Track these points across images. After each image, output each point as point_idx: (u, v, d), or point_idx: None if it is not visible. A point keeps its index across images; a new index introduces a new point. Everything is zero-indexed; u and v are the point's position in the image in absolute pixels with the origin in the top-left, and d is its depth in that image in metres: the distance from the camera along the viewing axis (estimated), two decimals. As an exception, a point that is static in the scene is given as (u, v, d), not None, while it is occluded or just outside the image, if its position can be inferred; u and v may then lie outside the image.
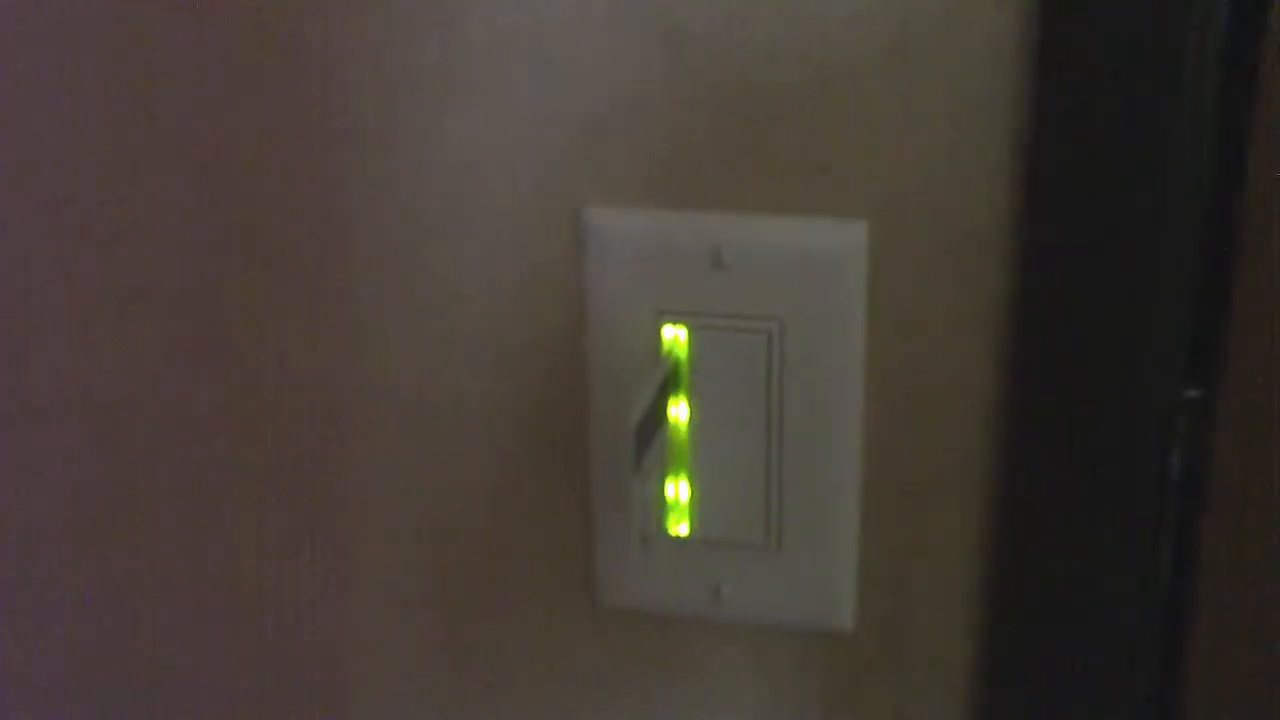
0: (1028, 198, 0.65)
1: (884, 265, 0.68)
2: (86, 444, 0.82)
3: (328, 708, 0.85)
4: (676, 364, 0.71)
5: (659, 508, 0.72)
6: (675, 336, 0.71)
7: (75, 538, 0.85)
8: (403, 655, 0.83)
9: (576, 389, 0.75)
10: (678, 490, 0.73)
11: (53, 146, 0.77)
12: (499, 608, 0.80)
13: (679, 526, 0.74)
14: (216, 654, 0.86)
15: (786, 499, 0.73)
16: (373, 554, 0.81)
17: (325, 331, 0.77)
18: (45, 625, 0.88)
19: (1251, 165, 0.61)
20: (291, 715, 0.86)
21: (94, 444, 0.82)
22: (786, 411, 0.71)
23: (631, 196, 0.71)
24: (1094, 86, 0.61)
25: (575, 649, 0.80)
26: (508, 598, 0.80)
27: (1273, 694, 0.67)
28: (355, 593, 0.82)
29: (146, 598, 0.86)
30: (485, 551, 0.79)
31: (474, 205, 0.73)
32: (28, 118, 0.77)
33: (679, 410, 0.72)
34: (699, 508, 0.73)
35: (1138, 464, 0.65)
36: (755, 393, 0.71)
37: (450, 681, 0.83)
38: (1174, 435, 0.64)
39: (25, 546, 0.86)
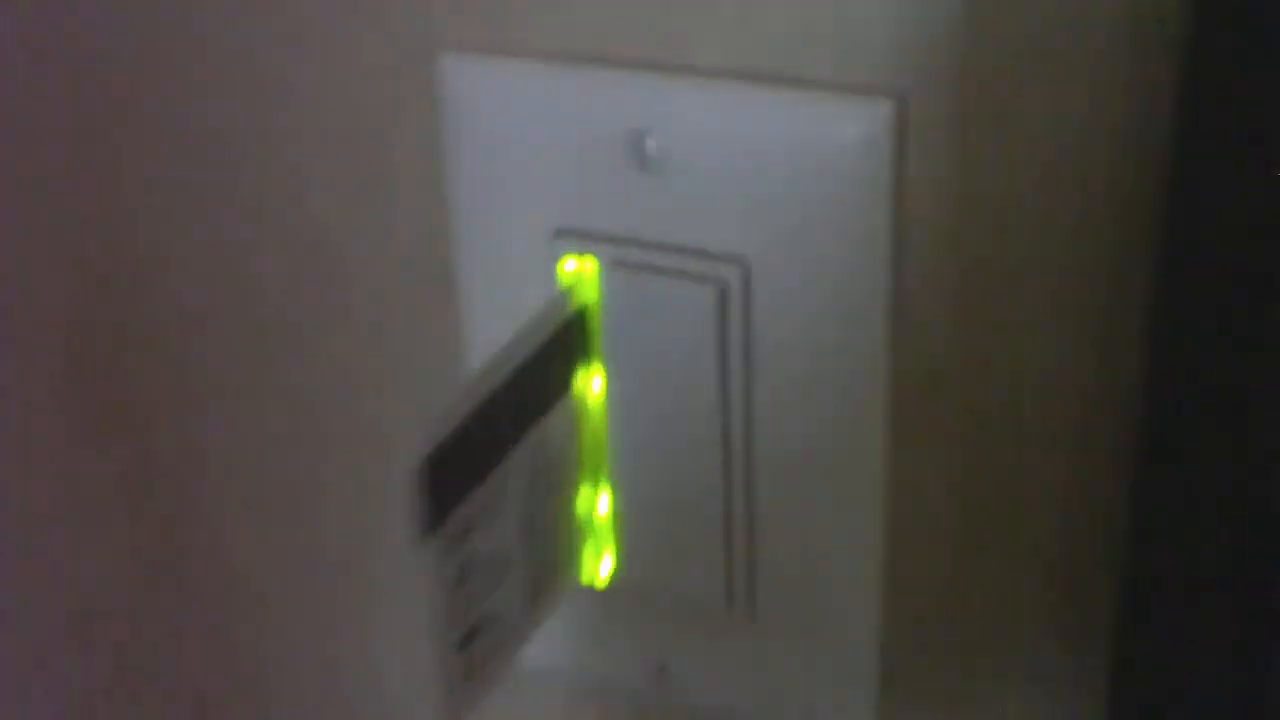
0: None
1: (918, 172, 0.38)
2: None
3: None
4: (582, 314, 0.43)
5: (567, 536, 0.45)
6: (579, 271, 0.43)
7: None
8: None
9: (449, 343, 0.47)
10: (594, 505, 0.45)
11: None
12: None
13: (601, 564, 0.46)
14: None
15: (760, 547, 0.44)
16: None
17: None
18: None
19: None
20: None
21: None
22: (756, 410, 0.42)
23: (512, 40, 0.42)
24: None
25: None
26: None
27: None
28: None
29: None
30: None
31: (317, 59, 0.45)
32: None
33: (594, 383, 0.44)
34: (627, 540, 0.45)
35: None
36: (704, 376, 0.42)
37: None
38: None
39: None
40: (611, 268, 0.42)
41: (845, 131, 0.39)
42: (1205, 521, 0.37)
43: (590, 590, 0.47)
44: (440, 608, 0.39)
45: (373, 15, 0.44)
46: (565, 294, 0.42)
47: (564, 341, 0.42)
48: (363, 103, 0.46)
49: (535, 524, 0.43)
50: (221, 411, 0.55)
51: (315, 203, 0.49)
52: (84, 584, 0.62)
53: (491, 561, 0.41)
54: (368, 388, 0.51)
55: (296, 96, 0.47)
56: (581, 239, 0.43)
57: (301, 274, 0.50)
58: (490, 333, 0.45)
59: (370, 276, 0.49)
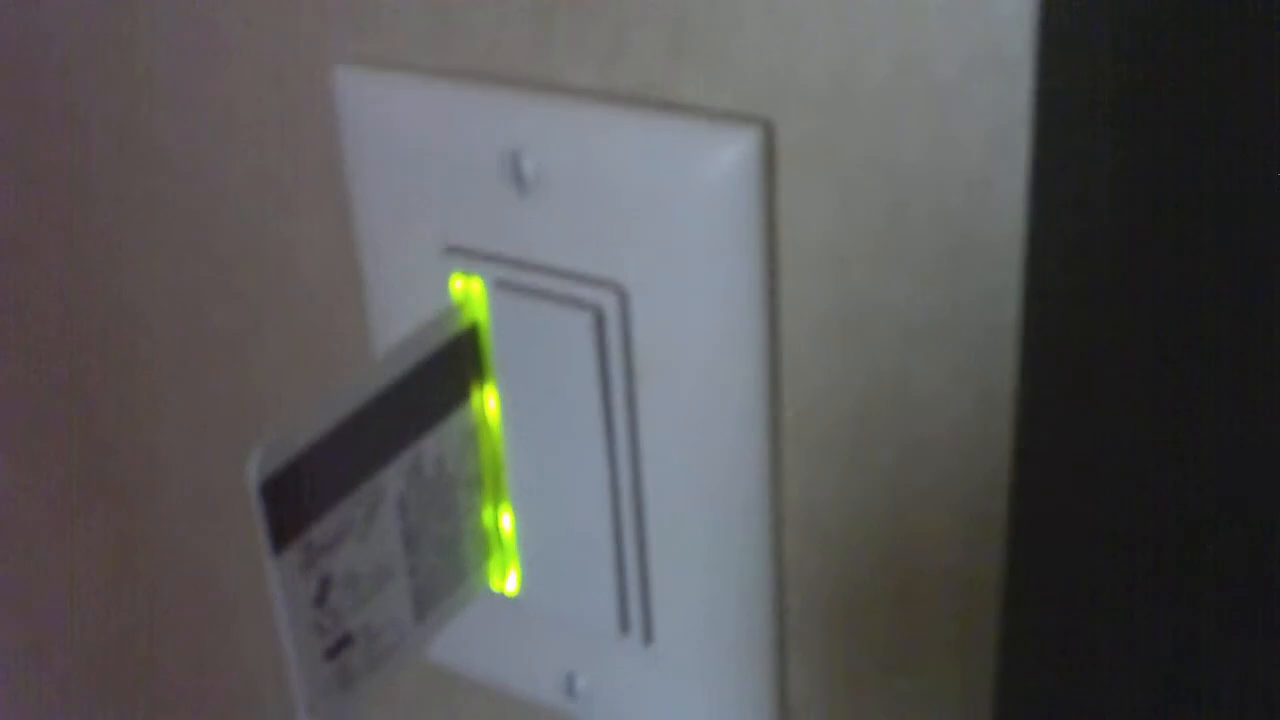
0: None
1: (791, 197, 0.38)
2: None
3: None
4: (473, 331, 0.43)
5: (462, 549, 0.45)
6: (467, 290, 0.43)
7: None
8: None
9: (359, 339, 0.48)
10: (498, 521, 0.46)
11: None
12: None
13: (508, 578, 0.46)
14: None
15: (653, 571, 0.44)
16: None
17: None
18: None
19: None
20: None
21: None
22: (642, 434, 0.42)
23: (404, 54, 0.42)
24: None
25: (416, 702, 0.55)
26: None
27: None
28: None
29: None
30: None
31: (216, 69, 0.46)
32: None
33: (489, 398, 0.44)
34: (525, 560, 0.45)
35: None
36: (587, 400, 0.42)
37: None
38: None
39: None
40: (496, 288, 0.42)
41: (714, 158, 0.38)
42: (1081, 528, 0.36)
43: (504, 599, 0.47)
44: (291, 623, 0.39)
45: (274, 26, 0.45)
46: (452, 310, 0.42)
47: (450, 358, 0.42)
48: (268, 111, 0.46)
49: (422, 537, 0.43)
50: (160, 418, 0.57)
51: (225, 211, 0.49)
52: (50, 584, 0.64)
53: (364, 574, 0.41)
54: (289, 393, 0.52)
55: (205, 103, 0.48)
56: (469, 257, 0.42)
57: (219, 286, 0.51)
58: (391, 340, 0.45)
59: (284, 284, 0.49)
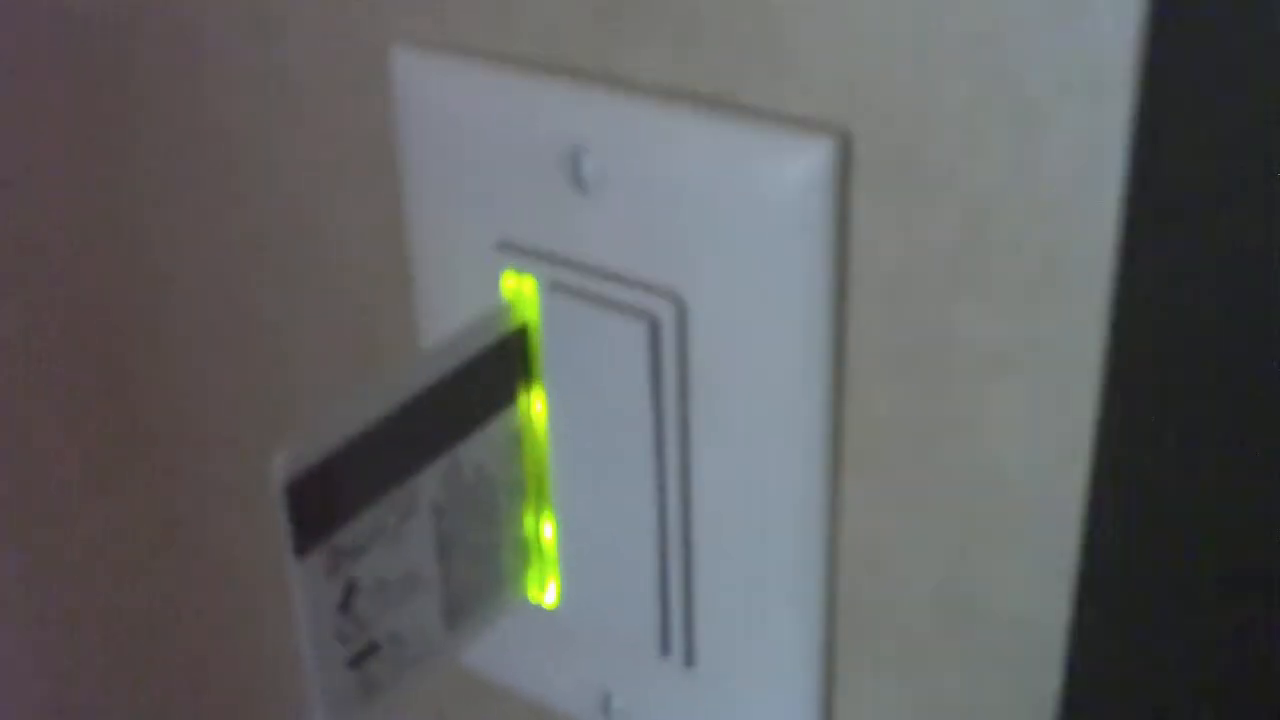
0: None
1: (864, 213, 0.35)
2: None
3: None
4: (522, 332, 0.41)
5: (501, 557, 0.43)
6: (519, 289, 0.41)
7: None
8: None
9: (405, 331, 0.46)
10: (539, 530, 0.44)
11: None
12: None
13: (547, 590, 0.44)
14: None
15: (698, 590, 0.42)
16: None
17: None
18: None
19: None
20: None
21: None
22: (693, 448, 0.40)
23: (462, 36, 0.40)
24: None
25: (442, 714, 0.53)
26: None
27: None
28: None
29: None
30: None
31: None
32: None
33: (536, 405, 0.42)
34: (565, 572, 0.44)
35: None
36: (638, 411, 0.40)
37: None
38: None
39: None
40: (549, 289, 0.40)
41: (786, 167, 0.36)
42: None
43: (542, 610, 0.45)
44: (311, 629, 0.37)
45: (333, 2, 0.43)
46: (502, 309, 0.40)
47: (498, 359, 0.41)
48: (324, 89, 0.44)
49: (457, 544, 0.41)
50: (198, 401, 0.55)
51: (274, 191, 0.48)
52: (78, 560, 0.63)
53: (393, 581, 0.40)
54: (329, 381, 0.50)
55: (259, 78, 0.46)
56: (522, 254, 0.40)
57: (263, 268, 0.49)
58: (438, 335, 0.44)
59: (330, 269, 0.47)
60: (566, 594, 0.44)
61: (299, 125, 0.46)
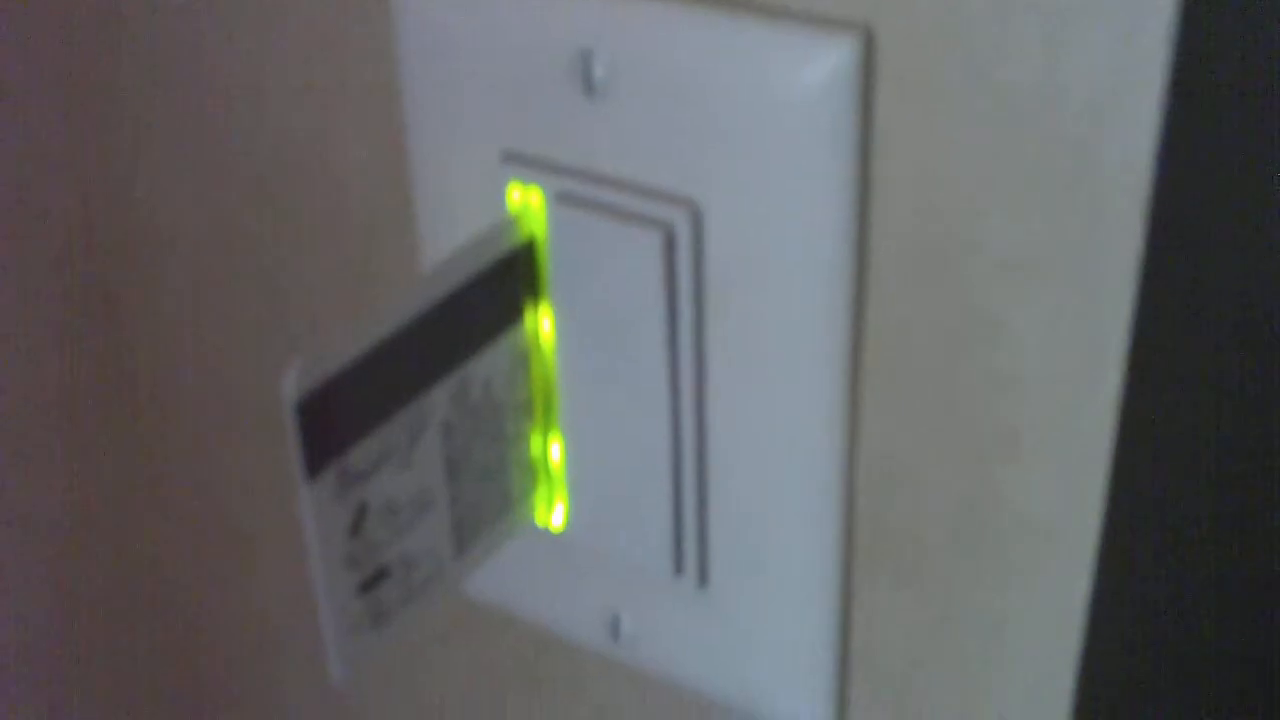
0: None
1: (888, 114, 0.34)
2: None
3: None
4: (529, 247, 0.39)
5: (509, 478, 0.42)
6: (525, 201, 0.39)
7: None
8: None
9: (410, 253, 0.45)
10: (546, 451, 0.43)
11: None
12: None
13: (554, 512, 0.43)
14: None
15: (713, 509, 0.41)
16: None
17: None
18: None
19: None
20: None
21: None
22: (708, 364, 0.39)
23: (465, -61, 0.39)
24: None
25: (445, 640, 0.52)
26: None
27: None
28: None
29: None
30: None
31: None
32: None
33: (544, 323, 0.41)
34: (574, 493, 0.42)
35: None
36: (651, 325, 0.38)
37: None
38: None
39: None
40: (557, 201, 0.39)
41: (807, 67, 0.34)
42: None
43: (547, 534, 0.44)
44: (322, 554, 0.36)
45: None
46: (507, 225, 0.39)
47: (504, 275, 0.39)
48: (319, 6, 0.43)
49: (465, 465, 0.40)
50: (189, 323, 0.54)
51: (267, 111, 0.46)
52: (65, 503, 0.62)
53: (404, 503, 0.38)
54: (330, 311, 0.49)
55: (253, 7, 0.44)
56: (529, 166, 0.39)
57: (262, 188, 0.48)
58: (441, 254, 0.42)
59: (331, 192, 0.46)
60: (575, 515, 0.43)
61: (293, 37, 0.44)
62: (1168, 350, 0.33)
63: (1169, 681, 0.36)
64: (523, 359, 0.41)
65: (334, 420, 0.35)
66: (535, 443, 0.42)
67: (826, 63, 0.34)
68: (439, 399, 0.38)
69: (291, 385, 0.34)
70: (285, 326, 0.50)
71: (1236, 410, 0.33)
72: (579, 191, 0.38)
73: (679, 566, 0.42)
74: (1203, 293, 0.33)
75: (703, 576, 0.42)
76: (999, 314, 0.35)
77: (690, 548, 0.41)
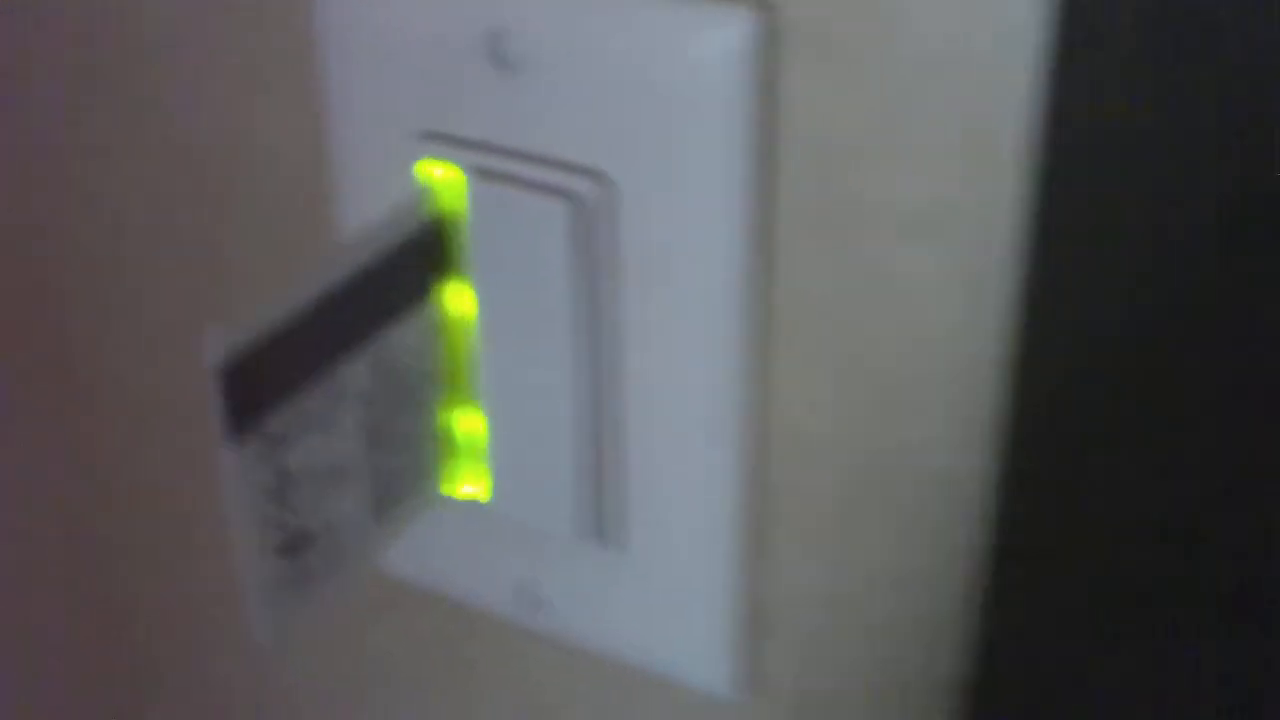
0: None
1: (791, 84, 0.36)
2: None
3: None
4: (440, 222, 0.41)
5: (423, 450, 0.43)
6: (444, 178, 0.40)
7: None
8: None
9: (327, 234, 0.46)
10: (464, 421, 0.44)
11: None
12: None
13: (472, 481, 0.44)
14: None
15: (630, 478, 0.42)
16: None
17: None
18: None
19: None
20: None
21: None
22: (624, 333, 0.40)
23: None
24: None
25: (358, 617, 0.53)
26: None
27: None
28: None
29: None
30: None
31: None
32: None
33: (462, 297, 0.42)
34: (492, 463, 0.44)
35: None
36: (565, 293, 0.40)
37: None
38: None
39: None
40: (474, 175, 0.40)
41: (710, 39, 0.36)
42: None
43: (468, 506, 0.45)
44: (244, 517, 0.37)
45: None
46: (418, 200, 0.40)
47: (416, 249, 0.40)
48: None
49: (382, 435, 0.41)
50: (119, 305, 0.54)
51: (186, 94, 0.47)
52: None
53: (324, 470, 0.39)
54: (256, 292, 0.50)
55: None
56: (446, 143, 0.40)
57: (185, 175, 0.49)
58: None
59: (246, 171, 0.47)
60: (497, 486, 0.44)
61: (213, 22, 0.45)
62: (1059, 305, 0.35)
63: (1074, 624, 0.38)
64: (435, 332, 0.42)
65: (254, 386, 0.36)
66: (455, 414, 0.43)
67: (728, 35, 0.35)
68: (358, 369, 0.39)
69: (213, 350, 0.35)
70: (216, 304, 0.51)
71: (1129, 357, 0.35)
72: (496, 166, 0.39)
73: (595, 532, 0.43)
74: (1092, 252, 0.34)
75: (622, 543, 0.43)
76: (897, 271, 0.37)
77: (608, 513, 0.43)
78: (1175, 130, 0.31)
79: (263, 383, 0.36)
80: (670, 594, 0.43)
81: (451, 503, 0.44)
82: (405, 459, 0.42)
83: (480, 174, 0.40)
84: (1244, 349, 0.33)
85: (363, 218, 0.43)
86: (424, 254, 0.41)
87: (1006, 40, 0.33)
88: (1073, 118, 0.32)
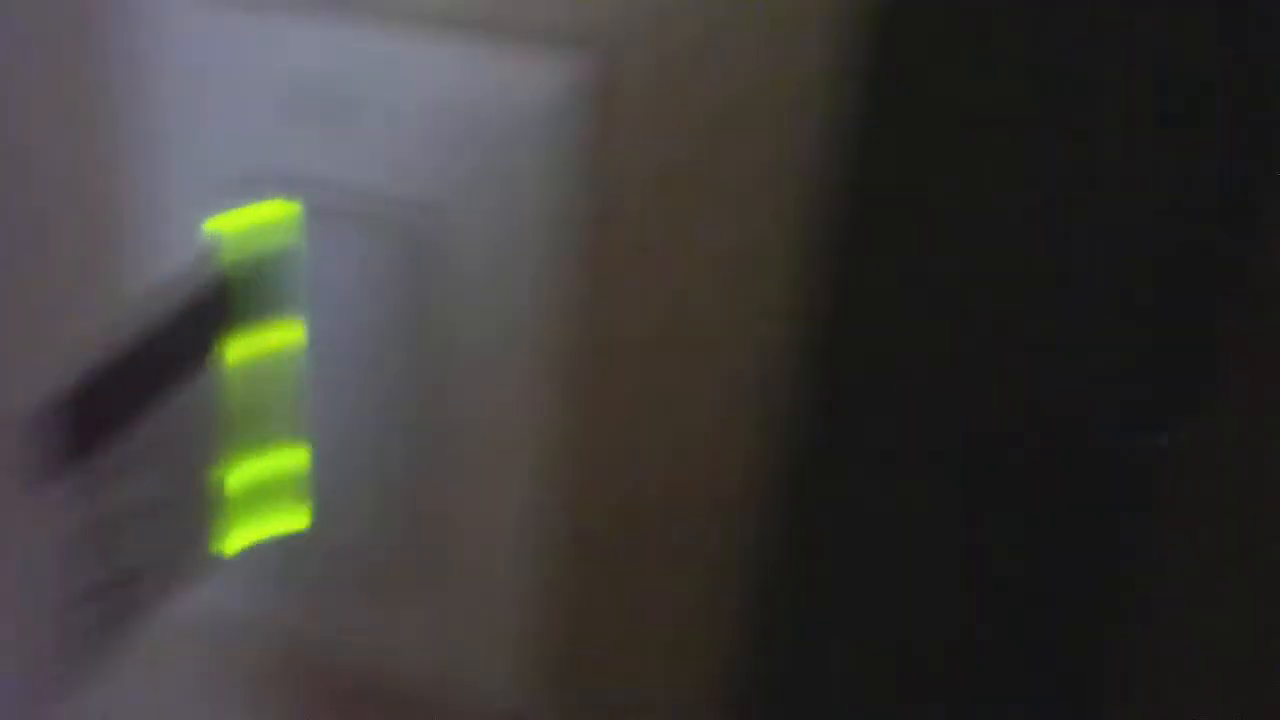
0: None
1: (616, 124, 0.38)
2: None
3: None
4: (235, 272, 0.41)
5: (211, 503, 0.43)
6: (271, 215, 0.42)
7: None
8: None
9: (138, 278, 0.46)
10: (284, 458, 0.44)
11: None
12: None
13: (295, 517, 0.45)
14: None
15: (450, 511, 0.44)
16: None
17: None
18: None
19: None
20: None
21: None
22: (453, 369, 0.42)
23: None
24: None
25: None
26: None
27: None
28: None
29: None
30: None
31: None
32: None
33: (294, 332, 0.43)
34: (318, 499, 0.45)
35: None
36: (396, 327, 0.42)
37: None
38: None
39: None
40: (306, 213, 0.41)
41: (537, 83, 0.38)
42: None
43: (294, 538, 0.46)
44: (44, 566, 0.37)
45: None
46: (208, 252, 0.41)
47: (211, 303, 0.41)
48: (40, 39, 0.44)
49: (189, 481, 0.41)
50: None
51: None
52: None
53: (129, 515, 0.40)
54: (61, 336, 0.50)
55: None
56: (276, 182, 0.42)
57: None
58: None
59: (56, 221, 0.47)
60: (320, 520, 0.45)
61: (15, 69, 0.45)
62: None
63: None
64: (220, 384, 0.42)
65: (60, 435, 0.36)
66: (273, 453, 0.44)
67: (555, 78, 0.38)
68: (162, 417, 0.39)
69: (21, 401, 0.35)
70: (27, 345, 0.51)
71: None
72: (328, 204, 0.41)
73: (418, 565, 0.44)
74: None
75: (439, 573, 0.45)
76: (713, 321, 0.39)
77: (429, 548, 0.44)
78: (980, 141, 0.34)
79: (70, 432, 0.37)
80: (472, 619, 0.45)
81: (283, 535, 0.45)
82: (210, 506, 0.42)
83: (312, 211, 0.41)
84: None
85: (159, 268, 0.43)
86: (217, 307, 0.41)
87: (807, 86, 0.36)
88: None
